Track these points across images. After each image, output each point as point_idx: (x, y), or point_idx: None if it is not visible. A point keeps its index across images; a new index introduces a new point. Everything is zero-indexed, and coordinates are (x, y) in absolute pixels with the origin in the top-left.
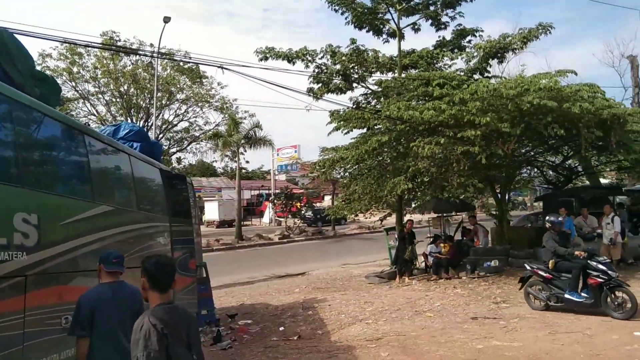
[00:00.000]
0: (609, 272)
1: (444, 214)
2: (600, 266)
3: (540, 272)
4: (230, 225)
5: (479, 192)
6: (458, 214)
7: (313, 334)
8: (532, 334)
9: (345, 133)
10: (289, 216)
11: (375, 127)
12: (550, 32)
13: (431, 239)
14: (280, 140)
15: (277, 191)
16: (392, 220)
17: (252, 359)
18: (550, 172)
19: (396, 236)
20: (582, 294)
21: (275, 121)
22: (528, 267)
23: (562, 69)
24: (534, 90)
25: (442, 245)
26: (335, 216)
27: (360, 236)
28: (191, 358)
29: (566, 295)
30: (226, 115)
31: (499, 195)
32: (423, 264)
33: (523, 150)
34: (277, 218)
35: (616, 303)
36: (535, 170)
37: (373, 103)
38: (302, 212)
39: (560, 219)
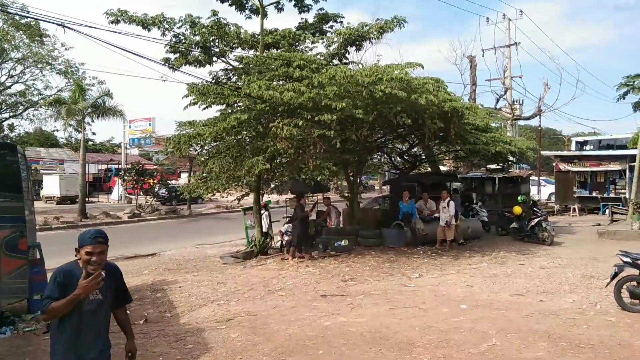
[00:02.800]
0: None
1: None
2: None
3: None
4: (73, 202)
5: (333, 174)
6: (314, 195)
7: (161, 317)
8: (375, 309)
9: (204, 108)
10: (141, 193)
11: (235, 104)
12: (403, 26)
13: (287, 219)
14: (135, 112)
15: (127, 166)
16: (250, 200)
17: None
18: (398, 159)
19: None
20: None
21: (130, 91)
22: (625, 259)
23: (411, 62)
24: (386, 80)
25: None
26: (190, 195)
27: (218, 216)
28: None
29: None
30: (71, 81)
31: (352, 178)
32: (279, 243)
33: (375, 137)
34: (127, 195)
35: None
36: (385, 156)
37: (234, 79)
38: (156, 189)
39: None
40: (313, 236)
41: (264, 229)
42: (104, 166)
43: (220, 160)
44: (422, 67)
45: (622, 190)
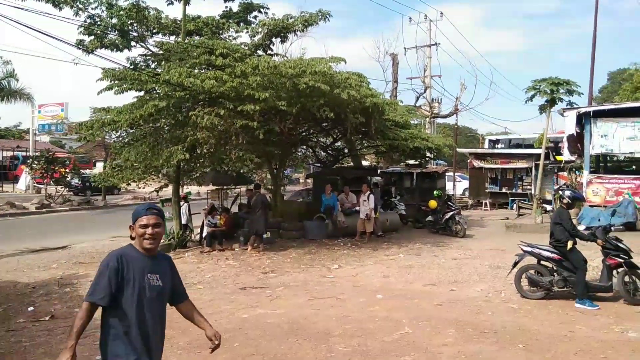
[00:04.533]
0: (630, 252)
1: (223, 187)
2: (621, 245)
3: (546, 253)
4: None
5: (257, 166)
6: (237, 187)
7: (69, 313)
8: (294, 300)
9: (118, 93)
10: (51, 183)
11: (154, 91)
12: (328, 20)
13: (206, 211)
14: (47, 96)
15: (36, 153)
16: (169, 191)
17: None
18: (322, 152)
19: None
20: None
21: (41, 75)
22: (525, 249)
23: (335, 56)
24: (310, 73)
25: (218, 217)
26: (103, 184)
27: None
28: None
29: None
30: None
31: (275, 170)
32: (198, 236)
33: (299, 130)
34: (36, 185)
35: (632, 287)
36: (310, 149)
37: (153, 66)
38: (68, 178)
39: (583, 194)
40: (234, 229)
41: (183, 222)
42: (10, 153)
43: (137, 148)
44: (345, 62)
45: (529, 187)
